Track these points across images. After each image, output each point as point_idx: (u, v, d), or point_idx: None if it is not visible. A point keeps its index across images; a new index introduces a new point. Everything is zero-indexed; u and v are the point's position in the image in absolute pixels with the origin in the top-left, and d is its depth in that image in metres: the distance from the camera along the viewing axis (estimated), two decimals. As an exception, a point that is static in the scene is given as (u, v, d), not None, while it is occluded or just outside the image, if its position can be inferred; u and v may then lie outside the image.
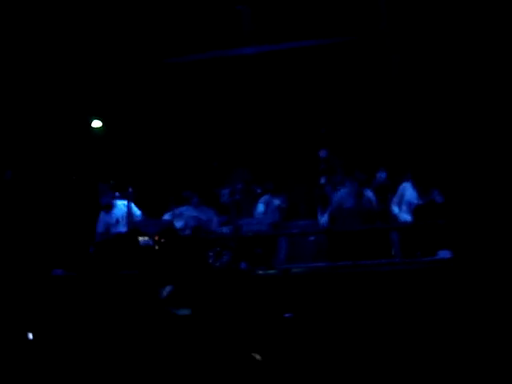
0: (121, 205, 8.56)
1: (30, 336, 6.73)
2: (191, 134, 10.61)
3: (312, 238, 8.29)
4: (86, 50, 9.08)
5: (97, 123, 9.91)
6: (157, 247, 5.89)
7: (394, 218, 8.16)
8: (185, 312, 5.61)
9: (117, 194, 8.86)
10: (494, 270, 6.08)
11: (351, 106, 9.95)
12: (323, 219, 8.55)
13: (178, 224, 8.54)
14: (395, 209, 8.21)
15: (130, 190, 9.38)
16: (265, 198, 9.10)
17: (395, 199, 8.28)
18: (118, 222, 8.38)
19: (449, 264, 6.89)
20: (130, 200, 8.81)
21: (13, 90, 8.62)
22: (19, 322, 6.93)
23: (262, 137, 10.47)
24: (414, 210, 7.94)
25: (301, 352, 6.44)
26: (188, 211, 8.82)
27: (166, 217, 8.82)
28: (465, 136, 7.55)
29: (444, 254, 7.16)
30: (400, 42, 8.88)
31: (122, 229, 8.32)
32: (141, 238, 6.29)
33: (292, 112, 10.22)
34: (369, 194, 8.39)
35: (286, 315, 6.95)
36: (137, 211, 8.65)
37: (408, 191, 8.15)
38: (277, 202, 8.96)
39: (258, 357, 6.14)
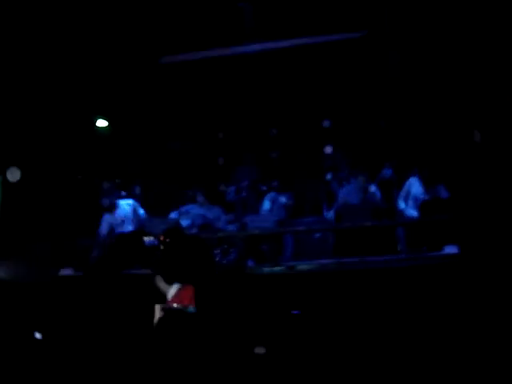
0: (124, 204, 8.55)
1: (38, 335, 6.78)
2: (196, 132, 10.63)
3: (318, 235, 8.28)
4: (92, 48, 9.07)
5: (102, 122, 9.93)
6: (162, 247, 5.87)
7: (400, 213, 8.13)
8: (192, 310, 5.60)
9: (122, 193, 8.88)
10: (499, 264, 6.07)
11: (356, 103, 9.92)
12: (329, 216, 8.54)
13: (185, 222, 8.51)
14: (401, 204, 8.19)
15: (137, 189, 9.43)
16: (270, 195, 9.06)
17: (402, 194, 8.26)
18: (122, 221, 8.37)
19: (455, 259, 6.89)
20: (136, 199, 8.84)
21: (18, 92, 8.65)
22: (26, 322, 6.99)
23: (267, 134, 10.47)
24: (420, 205, 7.92)
25: (309, 348, 6.46)
26: (194, 209, 8.79)
27: (173, 215, 8.81)
28: (471, 133, 7.53)
29: (450, 249, 7.15)
30: (405, 37, 8.83)
31: (128, 228, 8.34)
32: (146, 238, 6.27)
33: (296, 109, 10.20)
34: (373, 189, 8.37)
35: (294, 312, 6.96)
36: (141, 210, 8.66)
37: (414, 186, 8.13)
38: (282, 199, 8.93)
39: (261, 350, 6.15)
